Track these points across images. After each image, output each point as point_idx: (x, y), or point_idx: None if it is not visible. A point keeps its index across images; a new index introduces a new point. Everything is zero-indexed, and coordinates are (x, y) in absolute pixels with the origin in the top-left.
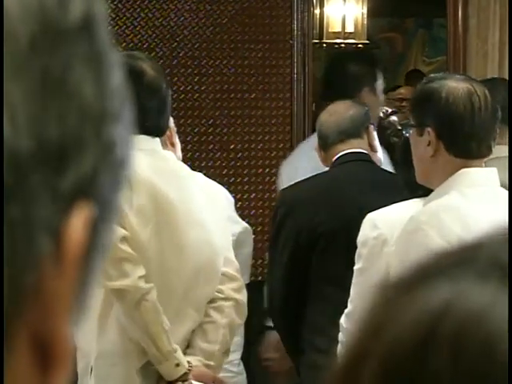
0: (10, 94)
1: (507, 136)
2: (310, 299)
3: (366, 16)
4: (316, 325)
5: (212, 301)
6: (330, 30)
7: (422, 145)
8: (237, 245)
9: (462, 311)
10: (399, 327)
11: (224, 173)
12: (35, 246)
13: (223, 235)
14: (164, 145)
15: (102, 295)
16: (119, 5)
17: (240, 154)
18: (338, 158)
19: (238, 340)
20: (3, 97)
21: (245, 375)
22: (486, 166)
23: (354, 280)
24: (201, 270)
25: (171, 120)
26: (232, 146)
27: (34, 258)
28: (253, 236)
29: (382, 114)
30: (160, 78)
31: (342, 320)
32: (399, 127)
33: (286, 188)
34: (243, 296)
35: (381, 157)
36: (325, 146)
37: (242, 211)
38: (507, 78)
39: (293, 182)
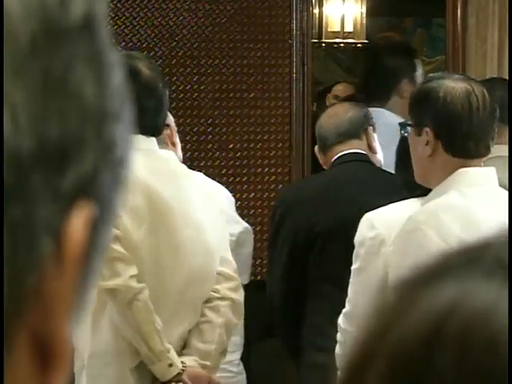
0: (11, 94)
1: (506, 135)
2: (308, 298)
3: (365, 15)
4: (314, 324)
5: (208, 300)
6: (329, 30)
7: (421, 144)
8: (237, 245)
9: (468, 310)
10: (405, 328)
11: (223, 172)
12: (36, 246)
13: (220, 235)
14: (164, 144)
15: (95, 295)
16: (118, 4)
17: (239, 154)
18: (337, 158)
19: (238, 340)
20: (3, 97)
21: (244, 375)
22: (485, 166)
23: (351, 280)
24: (196, 270)
25: (171, 119)
26: (231, 146)
27: (35, 258)
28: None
29: None
30: (156, 77)
31: (340, 320)
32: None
33: (286, 188)
34: (240, 295)
35: (381, 158)
36: (324, 147)
37: (240, 211)
38: (507, 78)
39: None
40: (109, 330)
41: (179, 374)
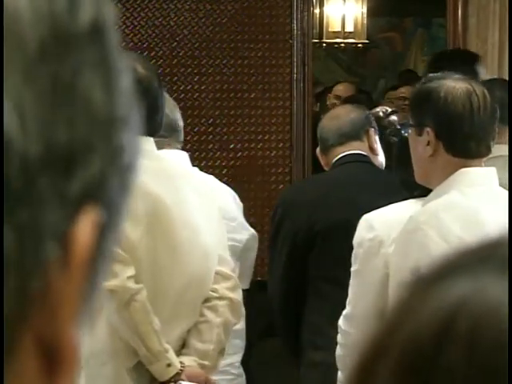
0: (20, 99)
1: (506, 135)
2: (308, 298)
3: (365, 15)
4: (314, 323)
5: (206, 300)
6: (329, 30)
7: (421, 145)
8: (244, 251)
9: (478, 308)
10: (415, 324)
11: (224, 172)
12: (43, 250)
13: (218, 235)
14: (167, 145)
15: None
16: (119, 4)
17: (240, 154)
18: (338, 159)
19: (239, 342)
20: (3, 97)
21: (244, 377)
22: (485, 165)
23: (350, 281)
24: (195, 270)
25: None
26: (232, 146)
27: (42, 262)
28: None
29: (381, 114)
30: (152, 76)
31: (341, 322)
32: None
33: (287, 188)
34: (238, 295)
35: (382, 160)
36: (325, 148)
37: None
38: (507, 79)
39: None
40: (106, 330)
41: (178, 373)
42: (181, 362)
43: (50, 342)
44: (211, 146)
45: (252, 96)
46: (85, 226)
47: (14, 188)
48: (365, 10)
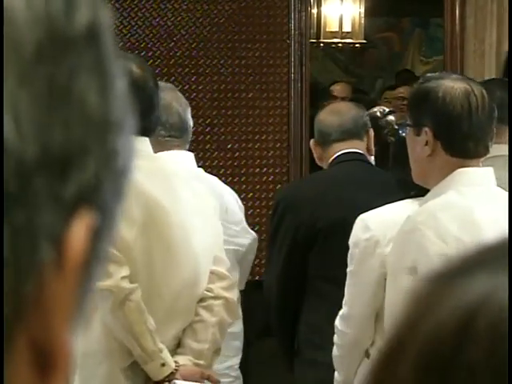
0: (16, 101)
1: (506, 135)
2: (306, 297)
3: (363, 15)
4: (313, 322)
5: (202, 300)
6: (327, 30)
7: (420, 144)
8: (245, 254)
9: (498, 304)
10: (436, 320)
11: (221, 172)
12: (37, 252)
13: (213, 235)
14: (175, 146)
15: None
16: (116, 4)
17: (237, 154)
18: (337, 157)
19: (238, 345)
20: (3, 98)
21: (241, 379)
22: (485, 165)
23: (347, 282)
24: (189, 270)
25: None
26: (229, 146)
27: (36, 265)
28: None
29: (379, 114)
30: (147, 76)
31: (337, 322)
32: (396, 127)
33: (286, 186)
34: (233, 294)
35: (372, 161)
36: (325, 142)
37: None
38: (506, 79)
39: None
40: (100, 330)
41: (172, 373)
42: (176, 362)
43: (43, 345)
44: (209, 145)
45: (249, 96)
46: (79, 230)
47: (10, 190)
48: (362, 9)
